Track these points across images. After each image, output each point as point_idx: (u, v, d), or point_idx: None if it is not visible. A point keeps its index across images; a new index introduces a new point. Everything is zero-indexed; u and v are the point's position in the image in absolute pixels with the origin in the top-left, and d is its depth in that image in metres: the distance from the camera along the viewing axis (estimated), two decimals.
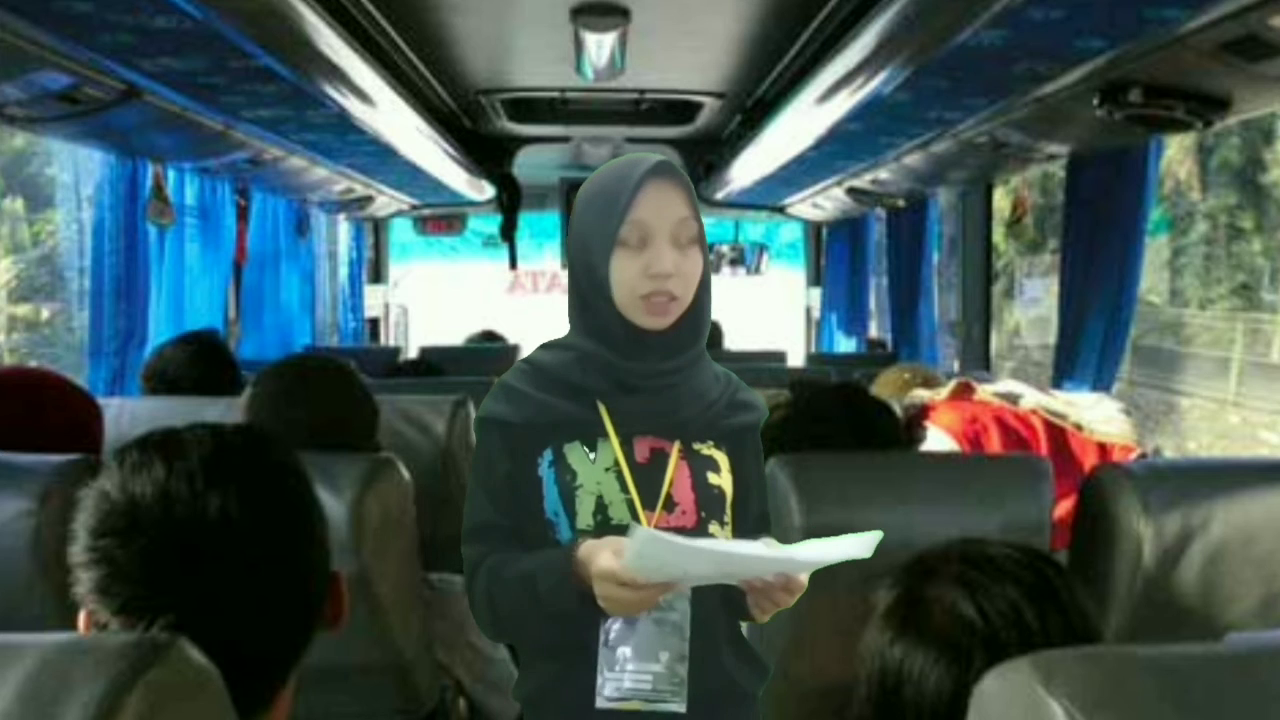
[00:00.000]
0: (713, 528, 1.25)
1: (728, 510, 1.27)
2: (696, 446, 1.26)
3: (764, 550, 1.11)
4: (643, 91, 3.10)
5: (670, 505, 1.23)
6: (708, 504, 1.25)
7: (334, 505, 1.34)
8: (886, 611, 1.02)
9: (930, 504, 1.38)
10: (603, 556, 1.11)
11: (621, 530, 1.19)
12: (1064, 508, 1.58)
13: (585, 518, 1.22)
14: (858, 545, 1.08)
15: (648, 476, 1.24)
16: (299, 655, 0.82)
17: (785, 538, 1.32)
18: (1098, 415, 2.11)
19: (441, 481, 2.00)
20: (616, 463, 1.23)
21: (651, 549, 1.05)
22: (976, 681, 0.60)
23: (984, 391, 2.19)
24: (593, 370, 1.25)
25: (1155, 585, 1.27)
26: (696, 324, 1.26)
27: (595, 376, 1.25)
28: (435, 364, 3.40)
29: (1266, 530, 1.27)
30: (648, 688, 1.18)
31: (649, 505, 1.22)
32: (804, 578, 1.15)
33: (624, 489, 1.22)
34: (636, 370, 1.24)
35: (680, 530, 1.22)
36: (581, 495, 1.23)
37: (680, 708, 1.18)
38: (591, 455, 1.23)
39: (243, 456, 0.80)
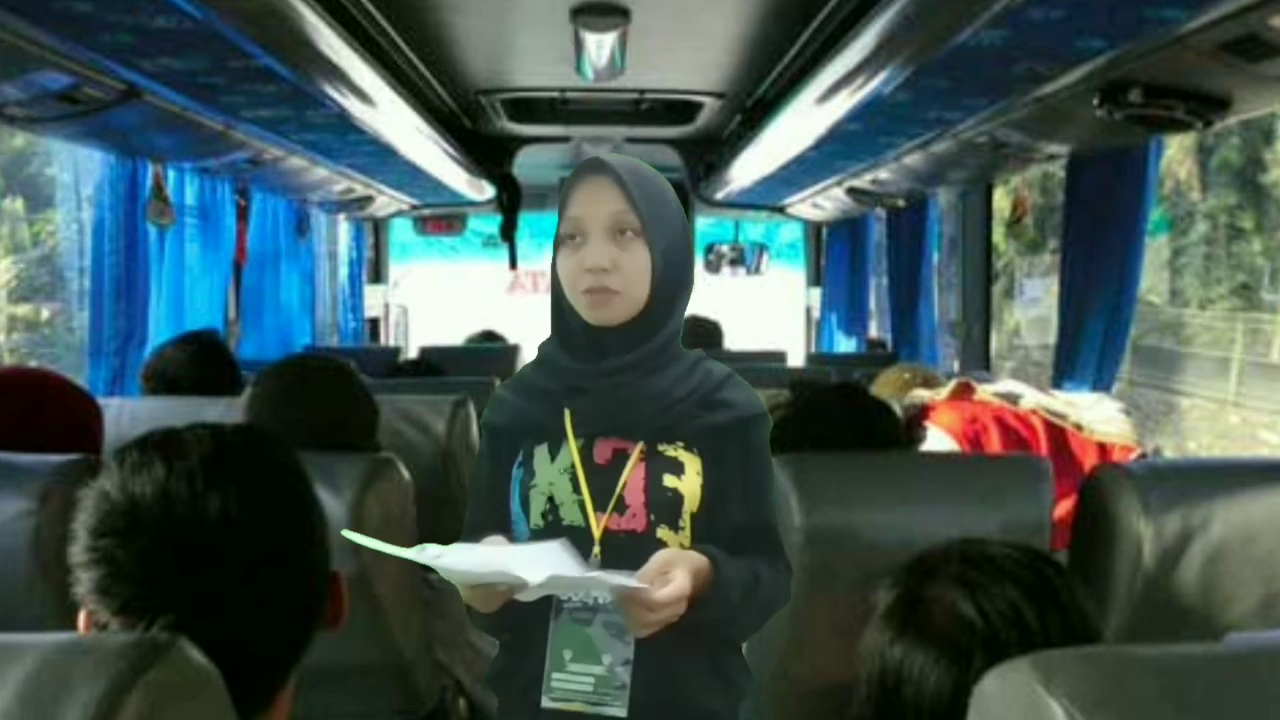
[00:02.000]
0: (661, 531, 1.23)
1: (683, 514, 1.24)
2: (661, 448, 1.25)
3: (491, 558, 1.10)
4: (643, 91, 3.10)
5: (621, 507, 1.23)
6: (658, 507, 1.23)
7: (334, 505, 1.34)
8: (886, 611, 1.02)
9: (930, 504, 1.38)
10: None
11: (571, 530, 1.21)
12: (1064, 508, 1.58)
13: (536, 517, 1.24)
14: (554, 559, 1.07)
15: (604, 478, 1.23)
16: (299, 655, 0.82)
17: (786, 538, 1.33)
18: (1098, 415, 2.11)
19: (441, 481, 2.00)
20: (573, 464, 1.24)
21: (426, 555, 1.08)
22: (976, 681, 0.60)
23: (984, 391, 2.19)
24: (551, 374, 1.28)
25: (1155, 585, 1.27)
26: (651, 319, 1.25)
27: (552, 380, 1.27)
28: (435, 364, 3.39)
29: (1266, 530, 1.27)
30: (588, 689, 1.18)
31: (601, 507, 1.22)
32: (661, 593, 1.10)
33: (576, 490, 1.23)
34: (585, 373, 1.25)
35: (630, 533, 1.22)
36: (534, 495, 1.24)
37: (621, 712, 1.17)
38: (553, 457, 1.25)
39: (243, 456, 0.80)
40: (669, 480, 1.24)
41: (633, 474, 1.23)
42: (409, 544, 1.56)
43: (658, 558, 1.14)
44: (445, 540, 1.33)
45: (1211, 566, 1.27)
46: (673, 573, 1.11)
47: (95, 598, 0.76)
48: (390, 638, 1.51)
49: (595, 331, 1.25)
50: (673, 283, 1.26)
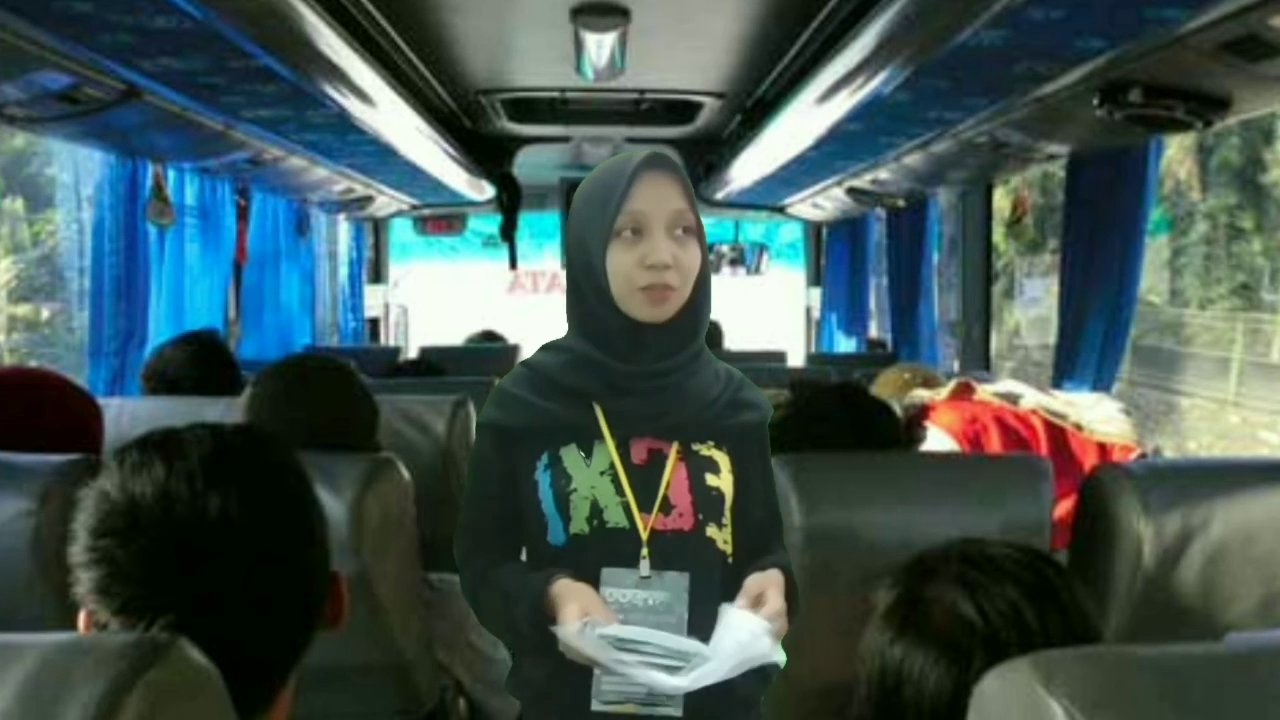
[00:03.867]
0: (710, 530, 1.24)
1: (726, 512, 1.26)
2: (696, 447, 1.26)
3: (690, 647, 1.12)
4: (643, 91, 3.10)
5: (667, 507, 1.23)
6: (705, 506, 1.24)
7: (334, 505, 1.34)
8: (886, 611, 1.01)
9: (930, 504, 1.38)
10: (569, 610, 1.13)
11: (616, 533, 1.20)
12: (1064, 508, 1.57)
13: (579, 522, 1.23)
14: (763, 646, 1.10)
15: (644, 478, 1.23)
16: (299, 655, 0.82)
17: (786, 538, 1.33)
18: (1098, 415, 2.11)
19: (441, 481, 2.00)
20: (612, 465, 1.22)
21: (580, 644, 1.09)
22: (976, 681, 0.60)
23: (984, 391, 2.19)
24: (587, 373, 1.25)
25: (1155, 585, 1.27)
26: (695, 319, 1.25)
27: (589, 379, 1.25)
28: (435, 364, 3.40)
29: (1266, 530, 1.27)
30: (642, 691, 1.17)
31: (645, 508, 1.22)
32: (768, 614, 1.15)
33: (619, 492, 1.22)
34: (630, 372, 1.24)
35: (677, 532, 1.23)
36: (575, 500, 1.23)
37: (676, 712, 1.17)
38: (587, 458, 1.23)
39: (243, 456, 0.80)
40: (711, 479, 1.25)
41: (674, 473, 1.24)
42: (409, 544, 1.58)
43: (750, 584, 1.18)
44: (445, 540, 1.34)
45: (1211, 566, 1.27)
46: (766, 593, 1.17)
47: (95, 598, 0.76)
48: (390, 638, 1.50)
49: (636, 329, 1.23)
50: (708, 282, 1.27)
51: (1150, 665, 0.56)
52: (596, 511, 1.22)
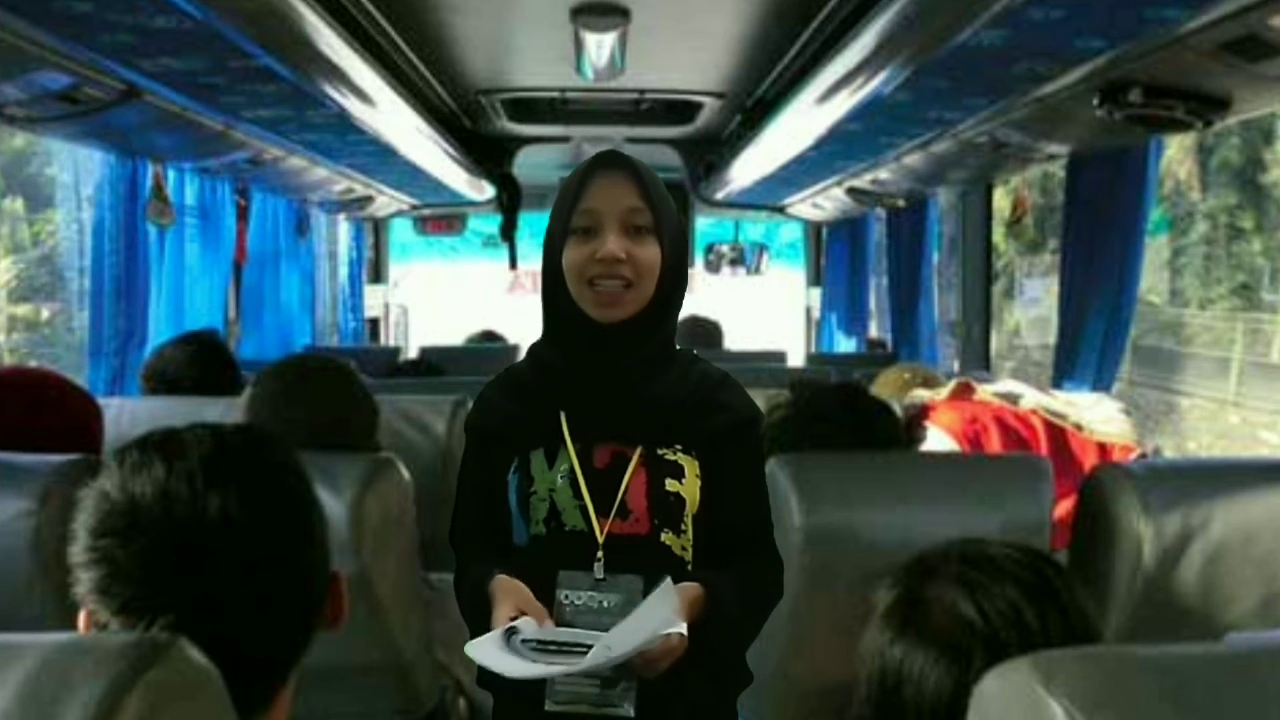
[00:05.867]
0: (665, 536, 1.24)
1: (685, 519, 1.25)
2: (661, 452, 1.25)
3: (591, 657, 1.10)
4: (643, 91, 3.10)
5: (624, 512, 1.23)
6: (662, 512, 1.24)
7: (334, 505, 1.34)
8: (886, 611, 1.01)
9: (930, 504, 1.38)
10: (501, 608, 1.15)
11: (574, 535, 1.22)
12: (1064, 508, 1.58)
13: (537, 524, 1.24)
14: (661, 617, 1.09)
15: (604, 483, 1.23)
16: (299, 655, 0.82)
17: (785, 538, 1.33)
18: (1098, 415, 2.11)
19: (441, 481, 2.00)
20: (572, 469, 1.23)
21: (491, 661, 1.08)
22: (976, 681, 0.60)
23: (984, 391, 2.19)
24: (552, 378, 1.27)
25: (1155, 585, 1.27)
26: (655, 320, 1.25)
27: (554, 383, 1.27)
28: (435, 364, 3.40)
29: (1266, 530, 1.27)
30: (595, 692, 1.17)
31: (603, 512, 1.22)
32: (676, 639, 1.12)
33: (577, 495, 1.23)
34: (585, 375, 1.25)
35: (633, 537, 1.23)
36: (534, 502, 1.24)
37: (630, 712, 1.17)
38: (550, 462, 1.25)
39: (243, 456, 0.80)
40: (671, 485, 1.24)
41: (634, 479, 1.23)
42: (409, 544, 1.58)
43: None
44: (445, 540, 1.34)
45: (1211, 566, 1.27)
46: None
47: (95, 598, 0.76)
48: (390, 638, 1.50)
49: (596, 329, 1.24)
50: (675, 282, 1.27)
51: (1150, 665, 0.56)
52: (554, 514, 1.23)
